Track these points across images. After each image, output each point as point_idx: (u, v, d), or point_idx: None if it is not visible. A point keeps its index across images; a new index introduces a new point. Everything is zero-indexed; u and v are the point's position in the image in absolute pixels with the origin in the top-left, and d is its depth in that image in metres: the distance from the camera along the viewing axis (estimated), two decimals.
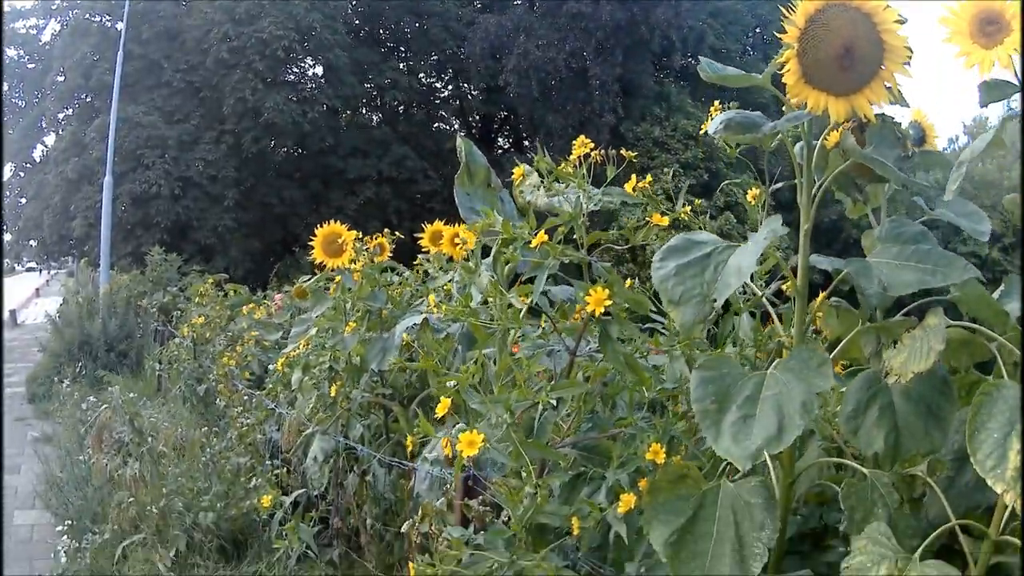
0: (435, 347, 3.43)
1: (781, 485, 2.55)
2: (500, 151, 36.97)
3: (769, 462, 2.57)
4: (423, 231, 4.34)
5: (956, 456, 2.43)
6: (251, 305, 9.38)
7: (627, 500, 2.49)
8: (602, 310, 2.59)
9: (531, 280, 2.89)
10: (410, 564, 2.70)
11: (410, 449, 3.46)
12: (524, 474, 2.65)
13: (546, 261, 2.74)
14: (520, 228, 2.85)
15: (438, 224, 4.29)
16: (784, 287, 2.66)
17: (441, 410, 2.72)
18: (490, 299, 2.94)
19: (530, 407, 2.70)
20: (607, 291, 2.58)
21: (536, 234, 2.77)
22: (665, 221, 2.84)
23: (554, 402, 2.76)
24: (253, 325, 8.50)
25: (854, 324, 2.66)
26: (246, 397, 7.09)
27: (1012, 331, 2.31)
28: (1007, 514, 2.13)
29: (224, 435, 6.98)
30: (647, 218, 2.85)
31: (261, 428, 6.42)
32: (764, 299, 2.80)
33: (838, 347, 2.64)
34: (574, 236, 2.89)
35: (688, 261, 2.46)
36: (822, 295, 2.72)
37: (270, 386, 6.11)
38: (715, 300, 2.36)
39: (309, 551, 5.04)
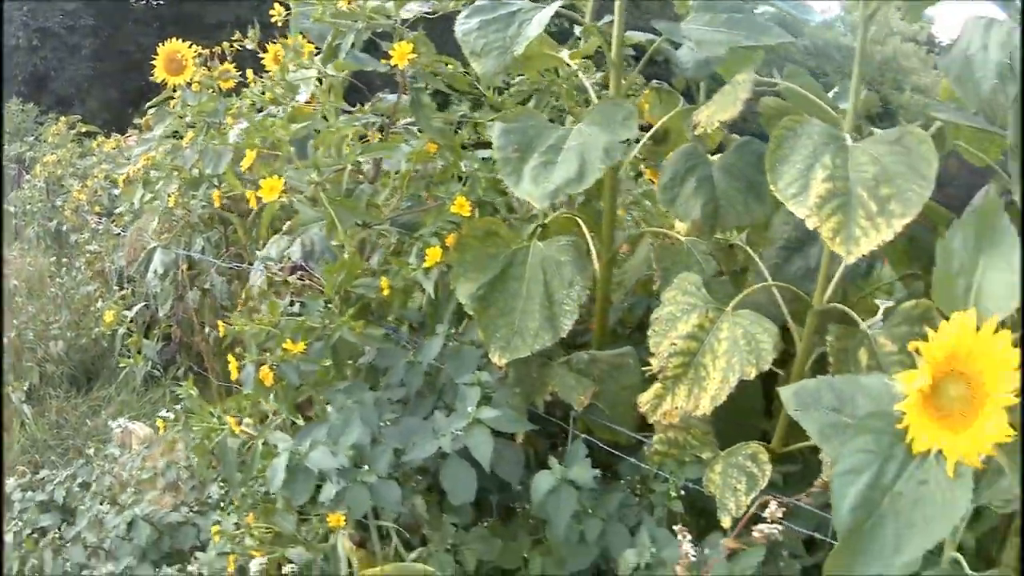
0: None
1: (601, 262, 2.55)
2: None
3: (597, 243, 2.56)
4: None
5: (786, 245, 2.44)
6: (100, 139, 9.10)
7: (433, 254, 2.46)
8: (405, 63, 2.51)
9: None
10: (219, 323, 2.65)
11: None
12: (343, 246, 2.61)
13: (353, 24, 2.65)
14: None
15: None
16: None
17: (267, 194, 2.65)
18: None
19: (340, 171, 2.63)
20: (411, 45, 2.50)
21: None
22: None
23: (364, 162, 2.71)
24: (104, 159, 8.25)
25: (676, 106, 2.65)
26: (95, 227, 6.90)
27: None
28: (832, 287, 2.16)
29: (74, 267, 6.83)
30: None
31: (110, 257, 6.27)
32: (583, 79, 2.75)
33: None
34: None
35: (493, 17, 2.43)
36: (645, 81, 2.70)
37: (117, 213, 5.96)
38: (515, 51, 2.32)
39: (156, 370, 4.97)
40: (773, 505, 1.77)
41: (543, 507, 2.24)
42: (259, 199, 2.58)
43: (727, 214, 2.38)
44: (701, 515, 2.24)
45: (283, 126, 2.66)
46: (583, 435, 2.46)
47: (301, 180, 2.61)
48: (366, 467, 2.33)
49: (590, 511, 2.25)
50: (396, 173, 2.90)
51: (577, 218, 2.60)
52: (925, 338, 1.52)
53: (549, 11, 2.37)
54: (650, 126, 2.73)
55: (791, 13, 2.63)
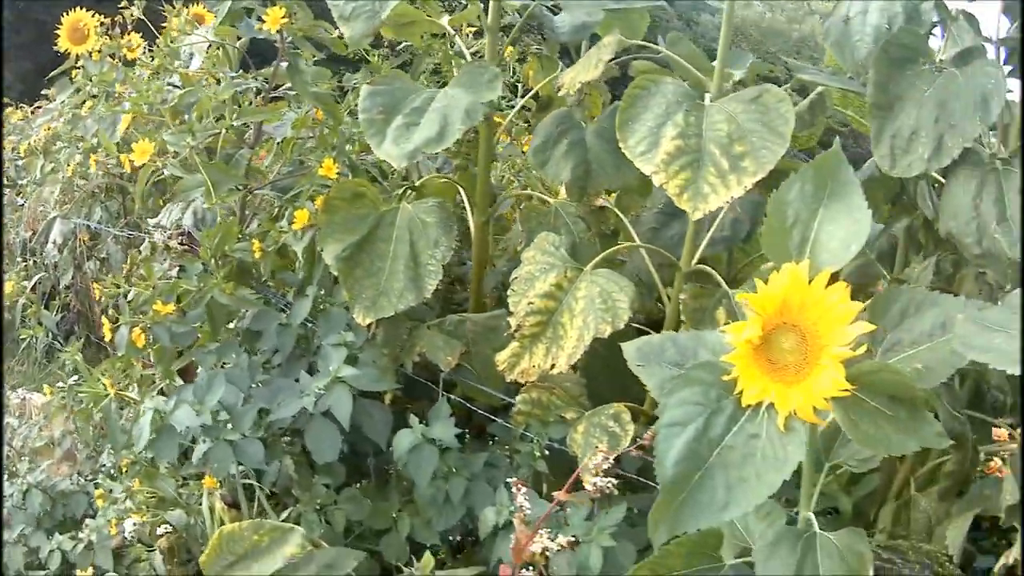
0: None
1: (476, 224, 2.48)
2: None
3: (472, 206, 2.49)
4: None
5: (663, 210, 2.38)
6: (8, 111, 8.83)
7: (301, 216, 2.37)
8: (277, 27, 2.41)
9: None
10: (95, 286, 2.55)
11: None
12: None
13: None
14: None
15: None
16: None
17: (139, 157, 2.56)
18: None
19: (216, 135, 2.54)
20: (283, 10, 2.40)
21: None
22: None
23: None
24: (12, 130, 8.00)
25: (555, 71, 2.58)
26: None
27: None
28: (701, 248, 2.10)
29: None
30: None
31: (16, 230, 6.09)
32: (460, 44, 2.67)
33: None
34: None
35: None
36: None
37: (21, 184, 5.78)
38: (382, 15, 2.24)
39: (57, 340, 4.83)
40: (599, 457, 1.71)
41: (407, 466, 2.17)
42: (132, 163, 2.49)
43: (599, 176, 2.32)
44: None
45: (159, 90, 2.56)
46: (459, 397, 2.39)
47: (179, 145, 2.51)
48: (230, 426, 2.24)
49: (455, 470, 2.18)
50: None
51: (454, 182, 2.53)
52: None
53: None
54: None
55: None
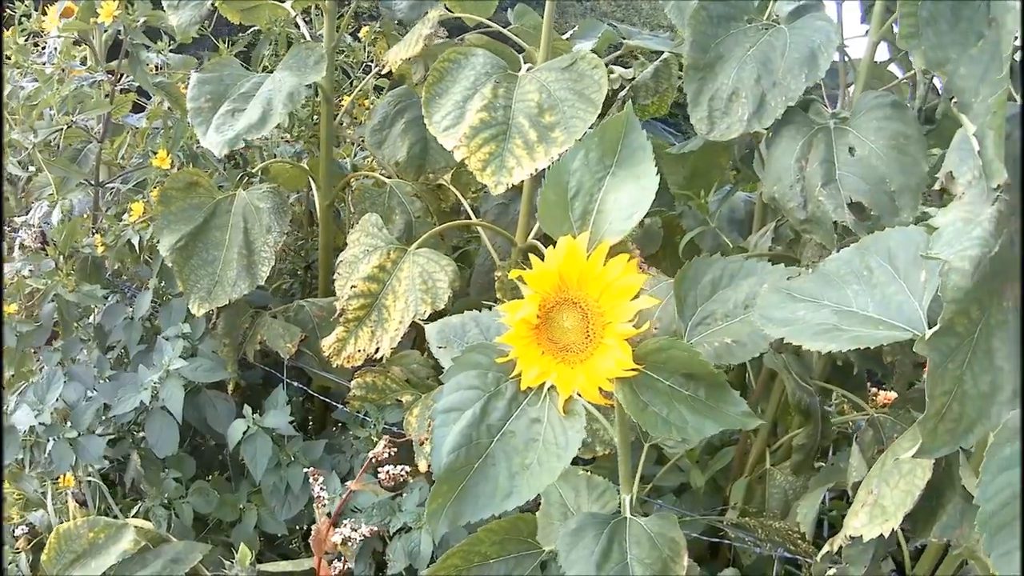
0: None
1: (321, 208, 2.30)
2: None
3: (317, 189, 2.30)
4: None
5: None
6: None
7: (137, 209, 2.17)
8: (109, 19, 2.20)
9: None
10: None
11: None
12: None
13: None
14: None
15: None
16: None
17: None
18: None
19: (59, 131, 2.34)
20: (115, 2, 2.19)
21: None
22: None
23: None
24: None
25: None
26: None
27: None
28: (536, 228, 1.96)
29: None
30: None
31: None
32: (302, 27, 2.46)
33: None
34: None
35: None
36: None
37: None
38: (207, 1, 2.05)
39: None
40: (380, 445, 1.54)
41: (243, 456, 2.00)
42: None
43: (436, 155, 2.15)
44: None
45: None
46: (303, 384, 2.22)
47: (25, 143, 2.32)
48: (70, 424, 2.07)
49: (294, 459, 2.01)
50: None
51: (296, 165, 2.34)
52: None
53: None
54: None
55: None
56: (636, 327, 1.08)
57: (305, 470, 1.80)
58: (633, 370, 1.09)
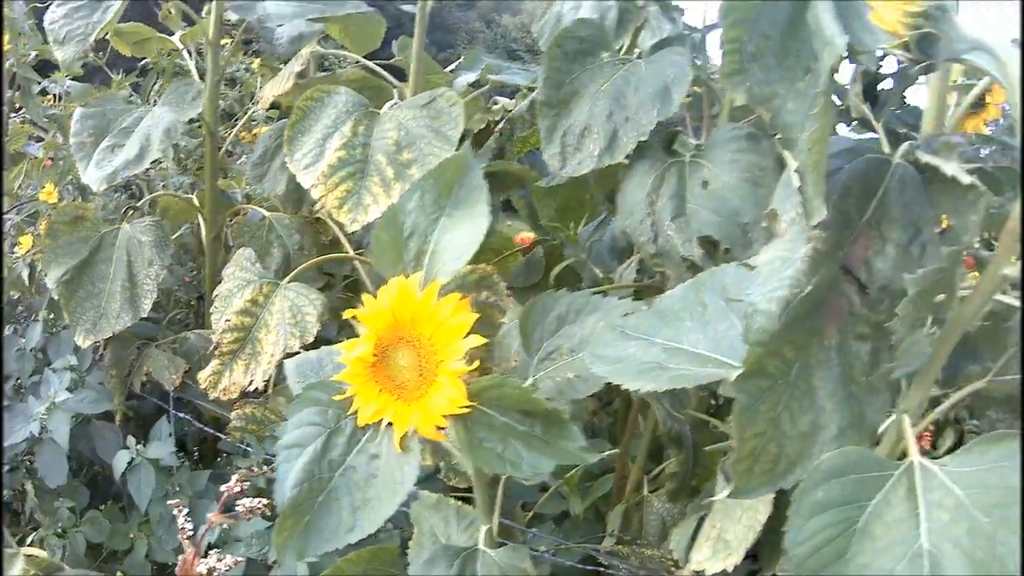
0: None
1: (207, 240, 2.30)
2: None
3: (203, 221, 2.30)
4: None
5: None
6: None
7: (25, 242, 2.18)
8: None
9: None
10: None
11: None
12: None
13: None
14: None
15: None
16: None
17: None
18: None
19: None
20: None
21: None
22: None
23: None
24: None
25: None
26: None
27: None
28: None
29: None
30: None
31: None
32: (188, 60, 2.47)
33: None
34: None
35: (80, 5, 2.13)
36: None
37: None
38: (91, 38, 2.05)
39: None
40: (232, 481, 1.55)
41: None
42: None
43: None
44: None
45: None
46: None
47: None
48: None
49: (178, 488, 2.01)
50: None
51: (181, 198, 2.34)
52: (482, 305, 1.34)
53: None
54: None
55: None
56: (468, 364, 1.10)
57: (169, 502, 1.80)
58: (468, 407, 1.11)
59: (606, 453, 1.96)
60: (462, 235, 1.18)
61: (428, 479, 1.82)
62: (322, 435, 1.17)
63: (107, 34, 2.26)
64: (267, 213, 2.15)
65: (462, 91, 2.07)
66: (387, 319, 1.13)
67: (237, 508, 1.52)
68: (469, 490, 1.81)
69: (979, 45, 0.79)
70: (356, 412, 1.16)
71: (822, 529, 0.81)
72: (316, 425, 1.18)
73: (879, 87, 1.20)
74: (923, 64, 0.85)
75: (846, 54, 0.79)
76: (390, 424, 1.15)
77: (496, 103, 2.25)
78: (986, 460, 0.79)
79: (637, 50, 1.72)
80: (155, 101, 2.35)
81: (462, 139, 2.21)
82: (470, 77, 2.11)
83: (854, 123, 1.41)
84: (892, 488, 0.82)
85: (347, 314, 1.16)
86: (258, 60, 2.60)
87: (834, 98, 1.00)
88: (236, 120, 2.57)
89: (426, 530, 1.50)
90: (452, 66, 2.30)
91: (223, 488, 1.52)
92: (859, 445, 0.90)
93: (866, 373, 0.92)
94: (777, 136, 1.03)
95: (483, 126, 2.19)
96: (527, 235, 2.26)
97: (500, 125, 2.12)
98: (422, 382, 1.14)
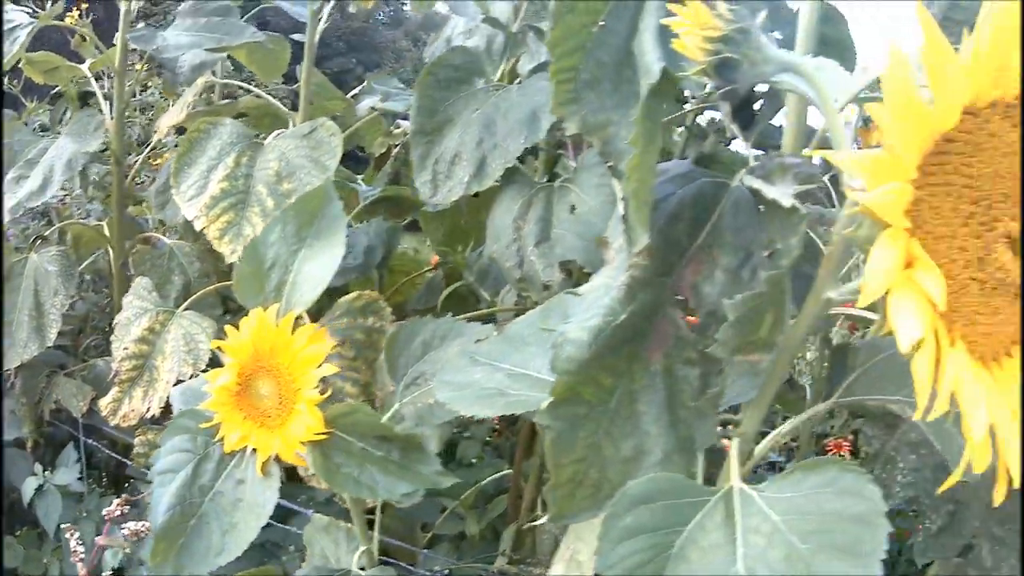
0: None
1: (115, 267, 2.33)
2: None
3: (111, 250, 2.33)
4: None
5: None
6: None
7: None
8: None
9: None
10: None
11: None
12: None
13: None
14: None
15: None
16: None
17: None
18: None
19: None
20: None
21: None
22: None
23: None
24: None
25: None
26: None
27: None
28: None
29: None
30: None
31: None
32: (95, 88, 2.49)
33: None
34: None
35: None
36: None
37: None
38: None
39: None
40: (113, 505, 1.60)
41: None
42: None
43: None
44: None
45: None
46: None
47: None
48: None
49: (86, 514, 2.04)
50: None
51: (89, 227, 2.37)
52: (368, 331, 1.37)
53: (35, 26, 2.13)
54: None
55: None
56: (321, 393, 1.15)
57: (62, 525, 1.83)
58: (325, 433, 1.16)
59: (500, 473, 2.01)
60: (319, 266, 1.23)
61: (327, 503, 1.86)
62: (192, 461, 1.22)
63: (19, 62, 2.28)
64: (170, 241, 2.18)
65: (364, 115, 2.12)
66: (248, 349, 1.18)
67: (123, 531, 1.56)
68: (372, 511, 1.86)
69: (789, 66, 0.77)
70: (223, 439, 1.20)
71: (632, 554, 0.79)
72: (187, 452, 1.22)
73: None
74: (725, 89, 0.79)
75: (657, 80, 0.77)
76: (255, 450, 1.20)
77: (399, 126, 2.29)
78: (804, 487, 0.78)
79: (519, 78, 1.73)
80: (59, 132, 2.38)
81: (368, 163, 2.27)
82: (373, 101, 2.14)
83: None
84: (709, 513, 0.81)
85: (212, 345, 1.21)
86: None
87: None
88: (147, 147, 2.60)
89: (317, 552, 1.53)
90: (357, 90, 2.34)
91: (104, 512, 1.56)
92: (686, 469, 0.89)
93: (695, 398, 0.90)
94: (609, 164, 1.02)
95: (384, 150, 2.23)
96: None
97: (396, 149, 2.16)
98: (283, 410, 1.19)
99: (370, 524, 1.71)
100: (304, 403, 1.15)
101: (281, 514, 1.87)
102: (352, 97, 2.23)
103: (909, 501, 1.27)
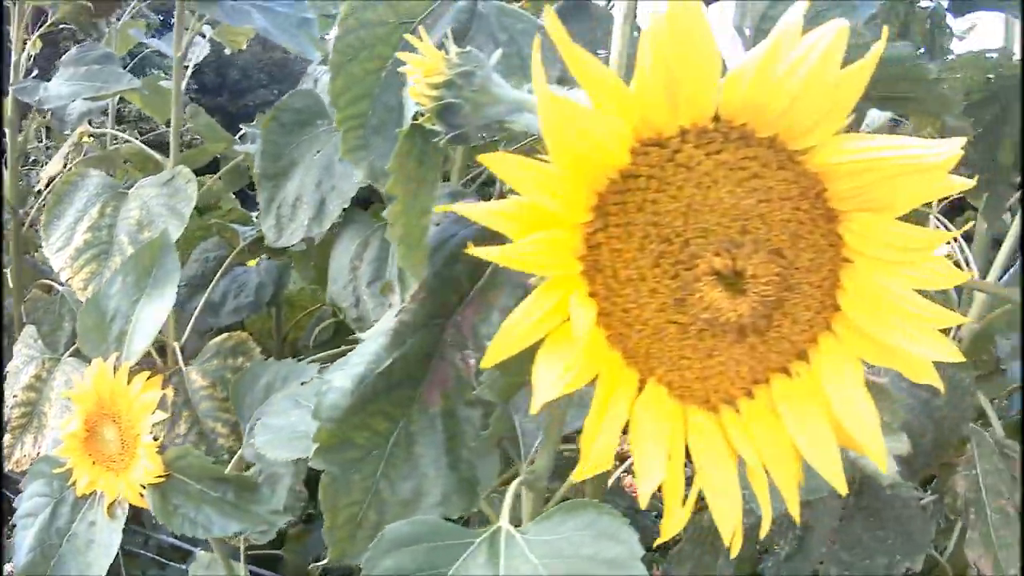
0: None
1: (15, 315, 2.37)
2: None
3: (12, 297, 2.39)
4: None
5: (190, 283, 2.25)
6: None
7: None
8: None
9: None
10: None
11: None
12: None
13: None
14: None
15: None
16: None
17: None
18: None
19: None
20: None
21: None
22: None
23: None
24: None
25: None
26: None
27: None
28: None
29: None
30: None
31: None
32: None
33: None
34: None
35: None
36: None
37: None
38: None
39: None
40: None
41: None
42: None
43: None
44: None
45: None
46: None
47: None
48: None
49: None
50: None
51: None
52: (237, 371, 1.44)
53: None
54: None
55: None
56: (155, 440, 1.22)
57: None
58: (163, 476, 1.23)
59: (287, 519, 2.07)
60: (151, 316, 1.30)
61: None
62: (50, 505, 1.30)
63: None
64: (61, 287, 2.22)
65: (239, 157, 2.18)
66: (93, 397, 1.25)
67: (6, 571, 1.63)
68: (264, 547, 1.91)
69: (521, 106, 0.73)
70: (74, 483, 1.28)
71: None
72: (45, 496, 1.30)
73: None
74: (452, 134, 0.74)
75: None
76: (104, 493, 1.27)
77: None
78: (564, 529, 0.78)
79: None
80: None
81: None
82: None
83: None
84: (472, 555, 0.81)
85: (63, 395, 1.28)
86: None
87: None
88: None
89: None
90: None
91: None
92: (467, 509, 0.89)
93: (477, 438, 0.91)
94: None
95: None
96: None
97: None
98: (125, 454, 1.26)
99: (270, 559, 1.79)
100: (144, 448, 1.23)
101: (182, 554, 1.94)
102: None
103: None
